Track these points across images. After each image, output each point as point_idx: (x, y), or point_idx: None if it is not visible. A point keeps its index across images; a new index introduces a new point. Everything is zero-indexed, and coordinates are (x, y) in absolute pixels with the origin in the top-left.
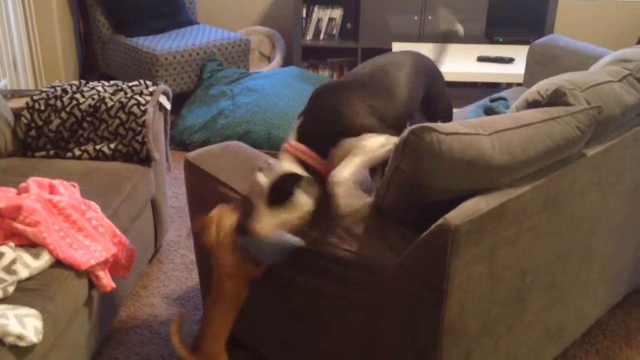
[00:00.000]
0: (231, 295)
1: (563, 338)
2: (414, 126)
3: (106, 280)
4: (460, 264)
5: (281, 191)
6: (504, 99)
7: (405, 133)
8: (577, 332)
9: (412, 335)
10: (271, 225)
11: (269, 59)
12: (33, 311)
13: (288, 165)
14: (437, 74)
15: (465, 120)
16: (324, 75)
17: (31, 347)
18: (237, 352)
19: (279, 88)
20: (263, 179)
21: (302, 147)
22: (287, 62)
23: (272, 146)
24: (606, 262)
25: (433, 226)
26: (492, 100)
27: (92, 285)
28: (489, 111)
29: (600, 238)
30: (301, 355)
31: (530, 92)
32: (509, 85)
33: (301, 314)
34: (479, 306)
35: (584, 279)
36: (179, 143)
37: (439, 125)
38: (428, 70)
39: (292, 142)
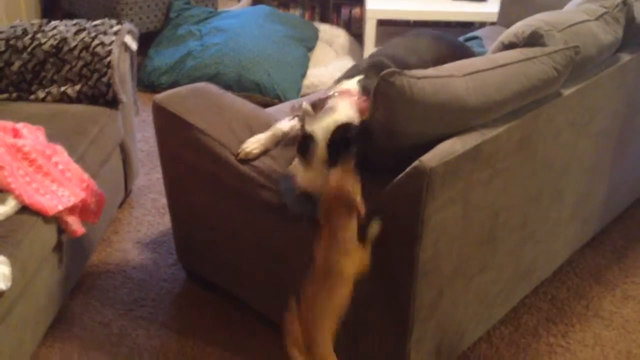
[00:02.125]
0: (347, 290)
1: (534, 276)
2: (384, 72)
3: (75, 225)
4: (435, 206)
5: (339, 149)
6: (478, 37)
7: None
8: (548, 270)
9: (387, 277)
10: (320, 181)
11: None
12: (0, 257)
13: (347, 112)
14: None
15: (440, 65)
16: (295, 14)
17: None
18: (209, 294)
19: (249, 28)
20: (319, 135)
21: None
22: (256, 0)
23: (243, 88)
24: (577, 201)
25: (408, 168)
26: (466, 40)
27: (62, 230)
28: None
29: (571, 178)
30: (275, 297)
31: (506, 35)
32: (483, 25)
33: (276, 255)
34: (453, 248)
35: (555, 219)
36: (147, 85)
37: (410, 70)
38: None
39: (350, 90)
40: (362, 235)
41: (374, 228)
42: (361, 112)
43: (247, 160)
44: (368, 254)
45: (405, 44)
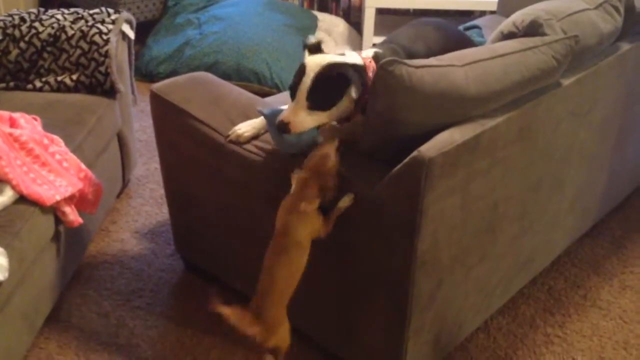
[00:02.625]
0: (301, 255)
1: (532, 267)
2: (383, 60)
3: (73, 215)
4: (433, 197)
5: (327, 96)
6: (477, 27)
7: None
8: (546, 260)
9: (385, 267)
10: (308, 126)
11: None
12: None
13: (352, 60)
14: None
15: (440, 55)
16: (294, 3)
17: None
18: (206, 284)
19: (247, 17)
20: (311, 69)
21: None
22: None
23: (241, 77)
24: (576, 191)
25: (407, 159)
26: (466, 29)
27: (59, 221)
28: None
29: (571, 168)
30: None
31: (506, 24)
32: (483, 13)
33: None
34: (452, 238)
35: (555, 209)
36: (145, 74)
37: (410, 60)
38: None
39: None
40: (332, 205)
41: (345, 201)
42: (367, 70)
43: (237, 142)
44: (327, 223)
45: (412, 33)
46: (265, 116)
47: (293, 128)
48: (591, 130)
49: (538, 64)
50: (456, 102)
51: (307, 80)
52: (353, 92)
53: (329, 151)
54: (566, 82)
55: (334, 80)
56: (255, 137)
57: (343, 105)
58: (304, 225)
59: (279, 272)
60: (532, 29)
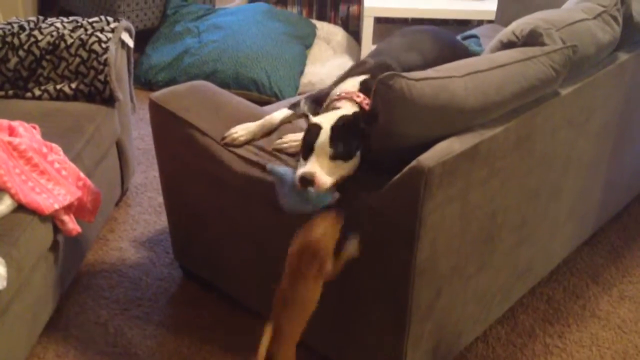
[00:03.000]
0: (310, 299)
1: (531, 276)
2: (382, 75)
3: (71, 224)
4: (432, 206)
5: (347, 145)
6: (475, 36)
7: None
8: (544, 270)
9: (384, 276)
10: (332, 180)
11: None
12: None
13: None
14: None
15: (439, 66)
16: (293, 11)
17: None
18: (205, 293)
19: (246, 25)
20: (326, 123)
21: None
22: None
23: (240, 85)
24: (574, 200)
25: (406, 168)
26: (464, 38)
27: (57, 229)
28: None
29: (569, 177)
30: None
31: (505, 33)
32: (481, 23)
33: (274, 255)
34: (451, 247)
35: (553, 218)
36: (144, 83)
37: (409, 72)
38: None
39: (354, 92)
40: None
41: (351, 249)
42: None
43: (231, 145)
44: (338, 267)
45: (406, 42)
46: (276, 173)
47: (318, 181)
48: (589, 139)
49: (537, 74)
50: (456, 113)
51: (326, 132)
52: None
53: (328, 222)
54: (564, 91)
55: (351, 129)
56: (249, 141)
57: (359, 157)
58: (313, 294)
59: (288, 319)
60: (532, 39)
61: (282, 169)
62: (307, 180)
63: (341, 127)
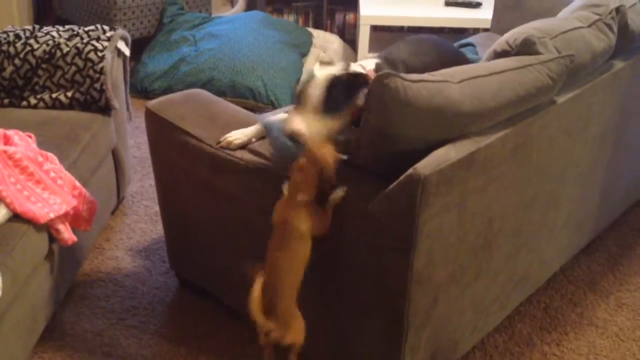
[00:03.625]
0: (303, 246)
1: (528, 284)
2: (379, 73)
3: (67, 234)
4: (429, 214)
5: (335, 101)
6: (471, 44)
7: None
8: (542, 278)
9: (381, 284)
10: (318, 133)
11: (232, 3)
12: None
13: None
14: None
15: (435, 71)
16: (289, 20)
17: None
18: (201, 302)
19: (243, 34)
20: (320, 76)
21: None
22: (250, 6)
23: (236, 93)
24: (571, 208)
25: (402, 176)
26: (460, 46)
27: (53, 238)
28: None
29: (566, 185)
30: None
31: (499, 43)
32: (476, 31)
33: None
34: (447, 255)
35: (550, 226)
36: (140, 91)
37: (405, 74)
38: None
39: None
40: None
41: (338, 194)
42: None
43: (227, 149)
44: (327, 217)
45: (410, 48)
46: (266, 125)
47: (304, 136)
48: (586, 147)
49: (533, 82)
50: (451, 117)
51: (318, 85)
52: (361, 98)
53: (326, 143)
54: (560, 99)
55: (344, 85)
56: (245, 145)
57: (349, 113)
58: (304, 218)
59: (284, 266)
60: (526, 47)
61: (269, 120)
62: (294, 136)
63: (334, 83)
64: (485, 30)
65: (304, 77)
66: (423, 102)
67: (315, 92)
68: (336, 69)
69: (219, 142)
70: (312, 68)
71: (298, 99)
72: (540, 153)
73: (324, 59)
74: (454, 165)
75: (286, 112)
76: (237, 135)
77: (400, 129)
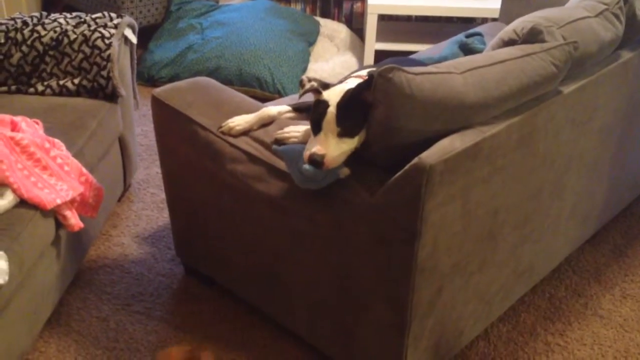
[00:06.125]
0: None
1: (533, 275)
2: (381, 68)
3: (73, 219)
4: (434, 204)
5: (354, 121)
6: (479, 34)
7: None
8: (546, 269)
9: (385, 274)
10: (342, 157)
11: None
12: None
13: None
14: None
15: (439, 63)
16: (296, 8)
17: None
18: (206, 289)
19: (250, 22)
20: (332, 100)
21: None
22: None
23: (243, 82)
24: (577, 199)
25: (407, 166)
26: (468, 36)
27: (60, 224)
28: (464, 47)
29: (572, 176)
30: (273, 292)
31: (506, 31)
32: (484, 21)
33: (275, 251)
34: (452, 245)
35: (555, 217)
36: (147, 79)
37: (408, 67)
38: None
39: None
40: None
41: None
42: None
43: (228, 135)
44: None
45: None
46: (282, 153)
47: (328, 161)
48: (592, 138)
49: (537, 70)
50: (456, 108)
51: (333, 109)
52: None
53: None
54: (567, 90)
55: (357, 104)
56: (247, 131)
57: (365, 130)
58: None
59: None
60: (532, 36)
61: (287, 149)
62: (317, 161)
63: (347, 104)
64: (494, 19)
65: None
66: (427, 94)
67: (330, 115)
68: (345, 87)
69: (220, 127)
70: (313, 84)
71: (315, 125)
72: (545, 143)
73: (308, 76)
74: (459, 155)
75: (290, 100)
76: (239, 122)
77: (405, 122)
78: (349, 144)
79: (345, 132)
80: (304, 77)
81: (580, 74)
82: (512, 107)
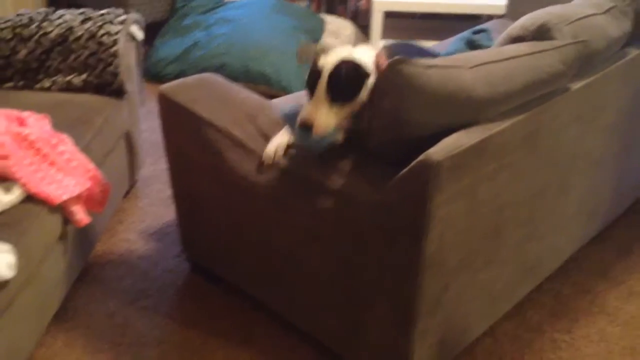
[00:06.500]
0: None
1: (539, 272)
2: (391, 60)
3: (80, 215)
4: (440, 200)
5: (345, 89)
6: (486, 30)
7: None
8: (553, 265)
9: (392, 270)
10: (332, 123)
11: None
12: (6, 246)
13: (361, 55)
14: None
15: (448, 57)
16: (302, 5)
17: (4, 283)
18: (212, 285)
19: (255, 19)
20: (326, 68)
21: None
22: None
23: (249, 78)
24: (582, 197)
25: (414, 162)
26: (475, 32)
27: (67, 220)
28: (471, 43)
29: (578, 173)
30: (278, 288)
31: (514, 27)
32: (491, 17)
33: (280, 248)
34: (458, 241)
35: (561, 214)
36: (153, 75)
37: (418, 60)
38: None
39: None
40: None
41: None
42: (377, 65)
43: (276, 163)
44: None
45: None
46: (285, 117)
47: (317, 128)
48: (598, 136)
49: (546, 68)
50: (463, 103)
51: (326, 75)
52: (370, 83)
53: None
54: (574, 87)
55: (352, 72)
56: (288, 147)
57: (360, 99)
58: None
59: None
60: (541, 33)
61: (290, 113)
62: (307, 126)
63: (339, 73)
64: (500, 16)
65: (309, 61)
66: (436, 88)
67: (323, 80)
68: (343, 53)
69: (262, 163)
70: (316, 49)
71: (309, 89)
72: (552, 141)
73: (324, 45)
74: (466, 152)
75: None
76: (275, 147)
77: (412, 115)
78: (339, 113)
79: (335, 100)
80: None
81: (588, 71)
82: (519, 103)
